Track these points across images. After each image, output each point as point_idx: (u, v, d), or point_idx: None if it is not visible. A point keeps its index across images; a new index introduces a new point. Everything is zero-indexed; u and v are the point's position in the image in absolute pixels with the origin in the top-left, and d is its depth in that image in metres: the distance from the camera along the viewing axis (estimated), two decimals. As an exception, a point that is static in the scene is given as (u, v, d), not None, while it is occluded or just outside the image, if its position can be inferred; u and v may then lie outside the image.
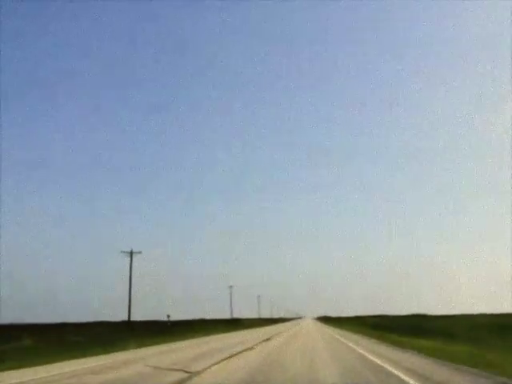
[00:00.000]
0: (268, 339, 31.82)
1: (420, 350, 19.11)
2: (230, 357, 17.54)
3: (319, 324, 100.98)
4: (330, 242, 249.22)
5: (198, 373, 12.63)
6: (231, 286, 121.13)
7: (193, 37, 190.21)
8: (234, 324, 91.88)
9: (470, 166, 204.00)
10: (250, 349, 22.16)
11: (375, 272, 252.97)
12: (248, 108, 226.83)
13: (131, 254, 55.29)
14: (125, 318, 53.59)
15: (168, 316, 58.88)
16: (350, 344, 25.71)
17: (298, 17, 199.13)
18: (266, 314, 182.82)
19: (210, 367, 13.95)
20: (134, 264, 54.98)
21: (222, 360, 16.24)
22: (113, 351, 22.44)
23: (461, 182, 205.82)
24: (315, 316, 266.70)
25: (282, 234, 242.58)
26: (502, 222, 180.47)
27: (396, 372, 12.25)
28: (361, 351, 19.97)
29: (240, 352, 19.91)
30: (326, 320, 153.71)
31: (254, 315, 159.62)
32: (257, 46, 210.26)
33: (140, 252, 55.72)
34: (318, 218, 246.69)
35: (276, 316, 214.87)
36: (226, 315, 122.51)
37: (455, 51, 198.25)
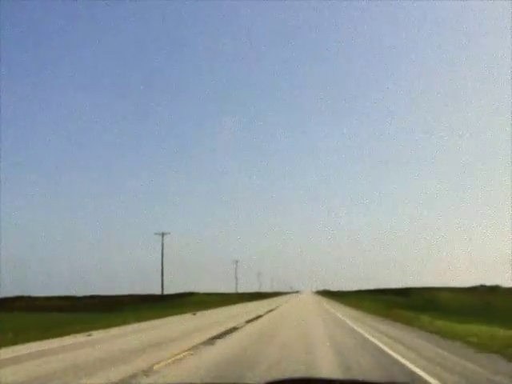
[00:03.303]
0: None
1: None
2: None
3: (324, 302, 62.99)
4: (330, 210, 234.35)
5: None
6: (163, 234, 69.48)
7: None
8: (148, 302, 53.16)
9: (472, 147, 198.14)
10: None
11: (376, 244, 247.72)
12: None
13: None
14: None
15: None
16: None
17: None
18: (251, 288, 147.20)
19: None
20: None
21: None
22: None
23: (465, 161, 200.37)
24: (314, 290, 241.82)
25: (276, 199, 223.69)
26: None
27: None
28: None
29: None
30: (328, 295, 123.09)
31: (231, 289, 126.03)
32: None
33: None
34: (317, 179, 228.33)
35: (268, 290, 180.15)
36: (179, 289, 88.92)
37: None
